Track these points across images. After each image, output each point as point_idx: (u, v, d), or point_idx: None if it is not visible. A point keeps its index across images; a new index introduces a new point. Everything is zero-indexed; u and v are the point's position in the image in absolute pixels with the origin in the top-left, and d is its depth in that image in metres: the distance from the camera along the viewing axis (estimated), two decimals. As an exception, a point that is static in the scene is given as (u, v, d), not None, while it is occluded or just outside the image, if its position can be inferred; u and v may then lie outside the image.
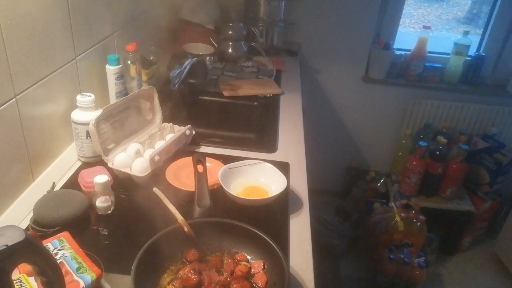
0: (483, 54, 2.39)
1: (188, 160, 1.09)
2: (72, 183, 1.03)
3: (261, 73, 1.95)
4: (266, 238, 0.80)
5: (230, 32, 2.02)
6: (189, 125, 1.24)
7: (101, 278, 0.73)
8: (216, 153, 1.23)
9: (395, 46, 2.41)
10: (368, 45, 2.43)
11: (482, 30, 2.48)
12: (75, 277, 0.69)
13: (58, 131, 1.13)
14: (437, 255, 2.43)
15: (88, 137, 1.08)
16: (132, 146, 1.12)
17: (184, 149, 1.22)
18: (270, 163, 1.10)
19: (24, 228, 0.69)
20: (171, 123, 1.27)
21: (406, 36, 2.68)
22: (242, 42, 2.05)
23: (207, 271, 0.77)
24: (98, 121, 1.05)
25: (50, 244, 0.76)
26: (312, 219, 1.02)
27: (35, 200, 0.91)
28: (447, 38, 2.42)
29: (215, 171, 1.05)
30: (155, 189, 0.94)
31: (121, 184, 1.04)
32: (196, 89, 1.66)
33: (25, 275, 0.68)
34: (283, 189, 1.00)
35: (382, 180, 2.59)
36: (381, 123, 2.66)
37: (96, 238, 0.91)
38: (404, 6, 2.39)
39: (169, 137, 1.20)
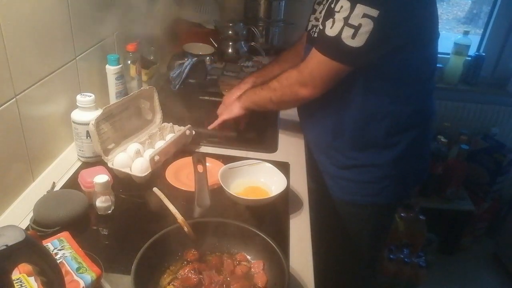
0: (483, 54, 2.39)
1: (188, 160, 1.09)
2: (72, 183, 1.03)
3: (261, 73, 1.95)
4: (266, 238, 0.80)
5: (230, 32, 2.01)
6: (189, 125, 1.24)
7: (101, 278, 0.73)
8: (216, 153, 1.23)
9: (395, 46, 2.40)
10: (368, 45, 2.42)
11: (482, 30, 2.47)
12: (75, 277, 0.69)
13: (58, 131, 1.13)
14: (437, 255, 2.42)
15: (88, 137, 1.08)
16: (132, 146, 1.12)
17: (184, 149, 1.22)
18: (270, 163, 1.10)
19: (24, 228, 0.69)
20: (171, 123, 1.27)
21: (406, 36, 2.67)
22: (242, 42, 2.05)
23: (207, 271, 0.77)
24: (98, 121, 1.05)
25: (50, 244, 0.76)
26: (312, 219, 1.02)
27: (35, 200, 0.91)
28: (447, 38, 2.41)
29: (215, 171, 1.05)
30: (155, 189, 0.94)
31: (121, 184, 1.04)
32: (196, 89, 1.66)
33: (25, 275, 0.68)
34: (283, 189, 1.00)
35: (382, 180, 2.59)
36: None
37: (96, 238, 0.91)
38: (404, 6, 2.38)
39: (169, 137, 1.20)
